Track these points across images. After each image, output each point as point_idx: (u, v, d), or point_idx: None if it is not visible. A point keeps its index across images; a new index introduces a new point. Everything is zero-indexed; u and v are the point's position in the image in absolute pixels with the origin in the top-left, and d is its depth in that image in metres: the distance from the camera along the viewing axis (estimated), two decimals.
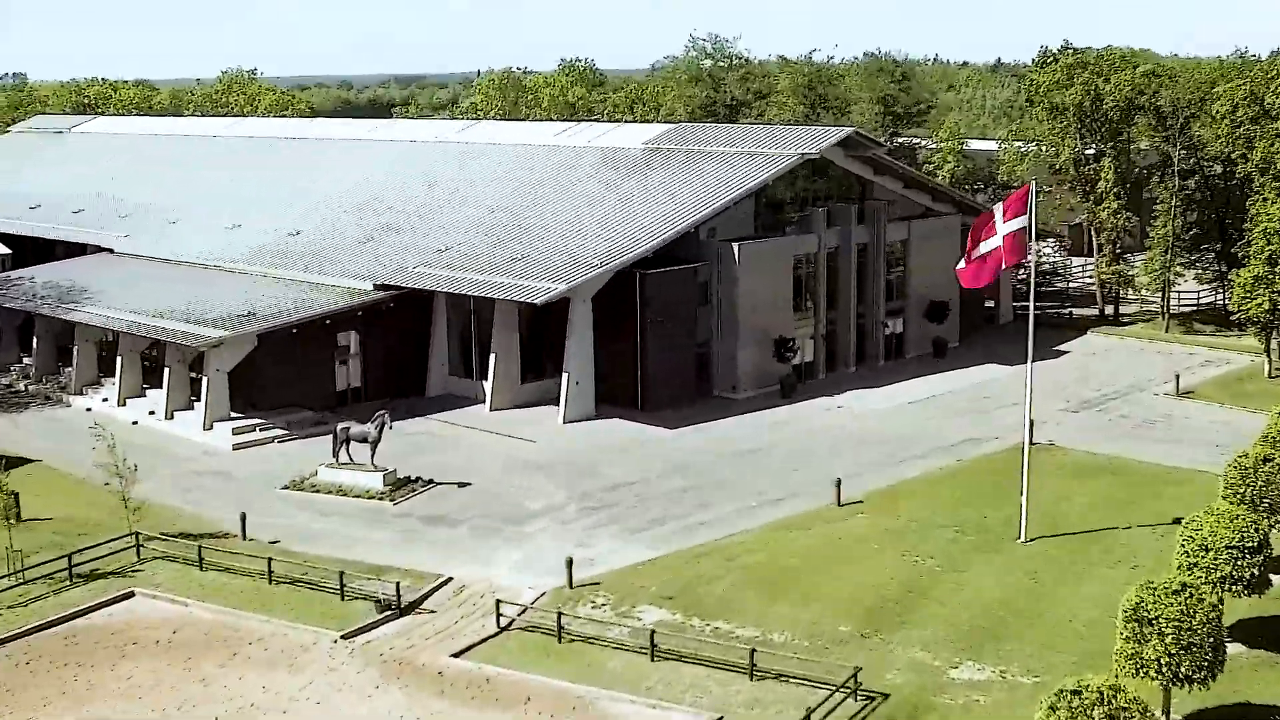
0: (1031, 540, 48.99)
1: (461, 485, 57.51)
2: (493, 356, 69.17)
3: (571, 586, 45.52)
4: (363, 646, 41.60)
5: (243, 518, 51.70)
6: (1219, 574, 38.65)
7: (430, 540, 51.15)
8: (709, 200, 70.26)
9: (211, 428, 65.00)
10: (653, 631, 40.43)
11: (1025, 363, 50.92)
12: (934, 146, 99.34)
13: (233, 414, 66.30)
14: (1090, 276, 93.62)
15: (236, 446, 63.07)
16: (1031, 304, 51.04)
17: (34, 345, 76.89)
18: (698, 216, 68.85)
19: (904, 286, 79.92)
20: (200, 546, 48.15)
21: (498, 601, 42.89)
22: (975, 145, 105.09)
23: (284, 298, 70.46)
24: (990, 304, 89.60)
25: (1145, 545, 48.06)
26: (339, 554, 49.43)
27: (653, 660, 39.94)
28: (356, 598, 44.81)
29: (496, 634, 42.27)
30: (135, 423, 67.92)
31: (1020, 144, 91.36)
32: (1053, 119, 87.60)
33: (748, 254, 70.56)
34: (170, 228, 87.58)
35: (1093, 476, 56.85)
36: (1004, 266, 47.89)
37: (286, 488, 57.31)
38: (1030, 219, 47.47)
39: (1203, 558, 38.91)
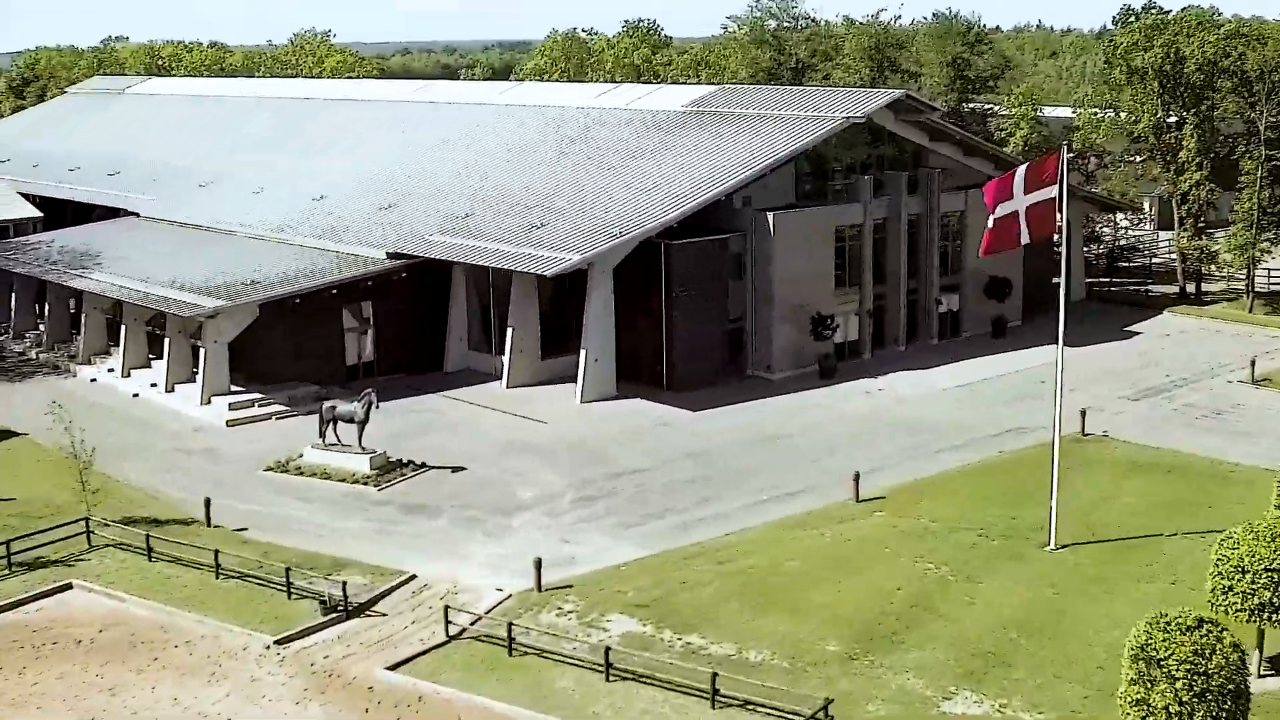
0: (1061, 547, 43.93)
1: (455, 470, 53.60)
2: (509, 330, 65.07)
3: (540, 590, 41.35)
4: (295, 654, 37.76)
5: (207, 503, 48.23)
6: (1256, 600, 33.45)
7: (405, 531, 47.30)
8: (745, 166, 65.36)
9: (209, 402, 61.71)
10: (608, 648, 36.06)
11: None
12: (1007, 113, 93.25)
13: (234, 388, 62.92)
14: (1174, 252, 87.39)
15: (231, 423, 59.70)
16: (1064, 281, 45.78)
17: (46, 312, 74.12)
18: (727, 185, 64.04)
19: (960, 261, 74.41)
20: (149, 535, 44.58)
21: (446, 608, 38.76)
22: (1052, 112, 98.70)
23: (295, 266, 66.86)
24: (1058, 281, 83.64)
25: (1190, 557, 42.72)
26: (305, 545, 45.85)
27: (608, 680, 35.65)
28: (305, 596, 40.97)
29: (445, 643, 38.27)
30: (136, 395, 64.96)
31: (1098, 110, 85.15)
32: (1132, 83, 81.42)
33: (784, 224, 65.67)
34: (199, 191, 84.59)
35: (1144, 474, 51.49)
36: (1026, 241, 42.64)
37: (270, 469, 53.81)
38: (1061, 188, 42.22)
39: (1238, 581, 33.72)
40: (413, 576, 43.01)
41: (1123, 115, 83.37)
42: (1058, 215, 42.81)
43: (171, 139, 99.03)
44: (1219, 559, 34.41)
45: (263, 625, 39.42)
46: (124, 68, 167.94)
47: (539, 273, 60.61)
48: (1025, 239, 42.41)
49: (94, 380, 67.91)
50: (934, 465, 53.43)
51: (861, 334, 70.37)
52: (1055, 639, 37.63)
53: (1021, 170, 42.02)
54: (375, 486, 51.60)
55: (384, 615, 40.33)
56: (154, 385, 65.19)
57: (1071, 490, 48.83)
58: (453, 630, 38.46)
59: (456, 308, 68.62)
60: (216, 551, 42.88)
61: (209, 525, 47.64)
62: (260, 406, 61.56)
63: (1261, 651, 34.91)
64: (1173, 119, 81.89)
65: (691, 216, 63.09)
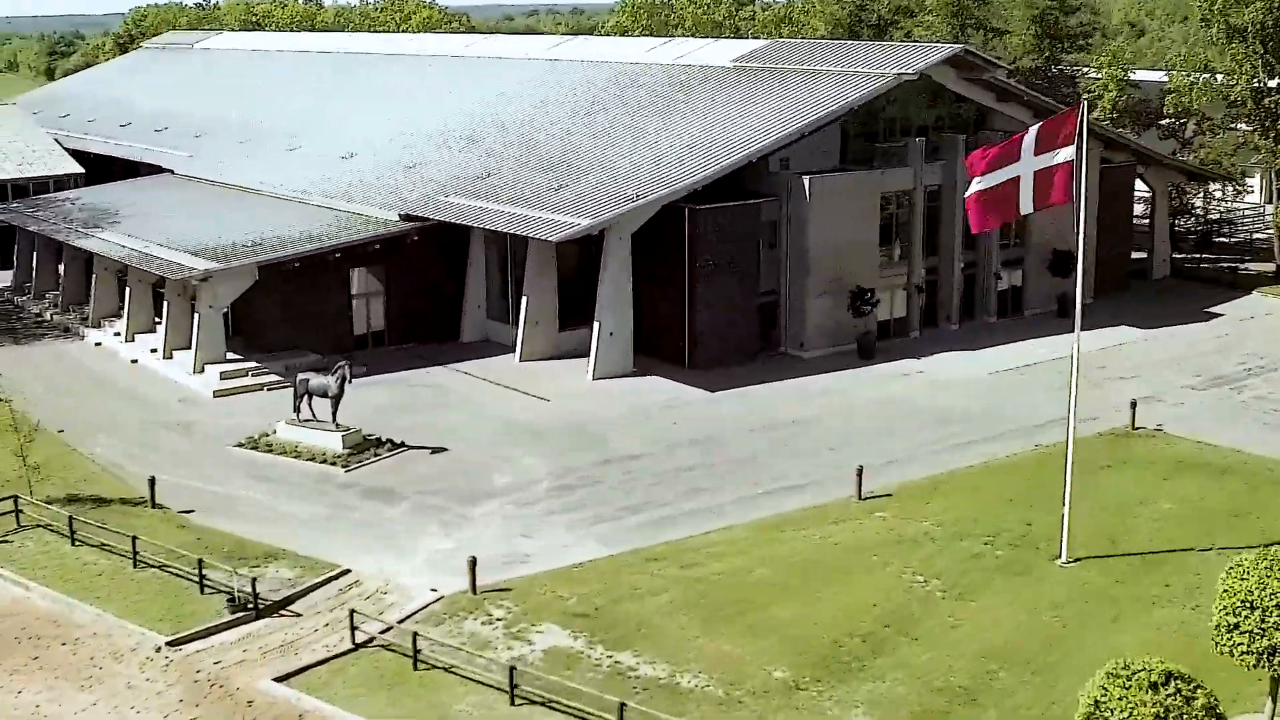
0: (1074, 561, 38.67)
1: (435, 451, 49.67)
2: (524, 300, 60.88)
3: (474, 592, 37.19)
4: (186, 658, 34.06)
5: (151, 482, 44.85)
6: (1266, 642, 28.12)
7: (358, 519, 43.48)
8: (783, 126, 60.27)
9: (202, 370, 58.44)
10: (512, 668, 31.76)
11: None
12: (1097, 75, 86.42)
13: (232, 355, 59.66)
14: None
15: (218, 393, 56.38)
16: (1078, 260, 40.09)
17: (61, 272, 71.63)
18: (752, 148, 58.97)
19: (1024, 233, 68.53)
20: (71, 518, 41.24)
21: (351, 613, 34.75)
22: (1146, 75, 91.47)
23: (303, 228, 63.34)
24: (1143, 255, 77.47)
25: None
26: (247, 530, 42.30)
27: (512, 704, 31.39)
28: (219, 591, 37.28)
29: (350, 651, 34.29)
30: (135, 361, 62.03)
31: (1192, 73, 78.12)
32: (1231, 43, 74.41)
33: (821, 189, 60.55)
34: (237, 149, 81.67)
35: (1191, 475, 45.83)
36: (1029, 210, 37.30)
37: (241, 445, 50.35)
38: (1080, 150, 36.77)
39: (1246, 618, 28.39)
40: (345, 571, 39.18)
41: (1219, 78, 76.29)
42: (1078, 183, 37.30)
43: (225, 94, 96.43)
44: (1225, 590, 29.08)
45: (161, 623, 35.84)
46: (222, 23, 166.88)
47: (544, 238, 56.25)
48: (1028, 207, 37.00)
49: (99, 344, 65.24)
50: (959, 459, 48.31)
51: (910, 310, 64.97)
52: (1041, 673, 32.57)
53: (1033, 130, 36.66)
54: (344, 467, 47.87)
55: (298, 615, 36.48)
56: (154, 351, 62.19)
57: (1102, 494, 43.59)
58: (361, 637, 34.41)
59: (475, 274, 64.66)
60: (134, 538, 39.35)
61: (153, 506, 44.24)
62: (254, 376, 58.17)
63: (1276, 703, 29.52)
64: (1274, 82, 74.81)
65: (725, 180, 58.35)
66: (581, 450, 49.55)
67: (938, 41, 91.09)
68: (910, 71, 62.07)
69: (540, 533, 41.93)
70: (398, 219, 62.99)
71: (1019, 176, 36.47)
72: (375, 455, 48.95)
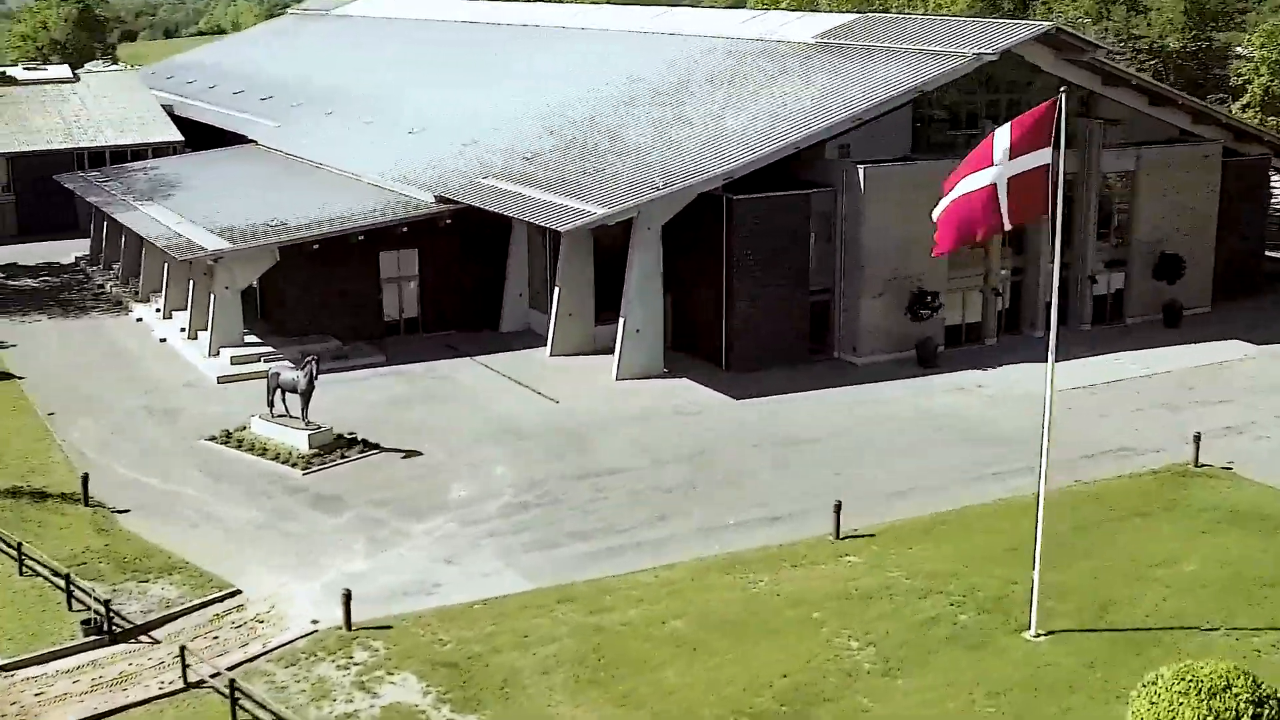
0: (1045, 635, 33.08)
1: (408, 455, 46.24)
2: (556, 291, 56.91)
3: (349, 629, 33.51)
4: (10, 685, 31.21)
5: (84, 479, 42.39)
6: None
7: (289, 530, 40.27)
8: (843, 109, 54.93)
9: (218, 354, 56.10)
10: None
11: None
12: (1248, 55, 78.03)
13: (253, 339, 57.29)
14: None
15: (222, 379, 53.91)
16: (1056, 278, 34.18)
17: (121, 245, 70.35)
18: (791, 137, 53.84)
19: (1128, 232, 61.64)
20: None
21: (182, 649, 31.40)
22: None
23: (336, 208, 60.48)
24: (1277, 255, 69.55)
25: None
26: (168, 536, 39.60)
27: None
28: (86, 609, 34.42)
29: (181, 690, 30.94)
30: (163, 340, 60.18)
31: None
32: None
33: (879, 179, 55.00)
34: (322, 120, 79.55)
35: (1240, 530, 39.47)
36: (1008, 226, 31.67)
37: (213, 439, 47.66)
38: (1058, 150, 31.05)
39: None
40: (235, 593, 35.94)
41: None
42: (1054, 188, 31.57)
43: (336, 63, 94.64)
44: (1133, 713, 23.54)
45: (11, 642, 33.14)
46: None
47: (553, 227, 52.17)
48: (1006, 222, 31.41)
49: (139, 320, 63.66)
50: (977, 492, 42.74)
51: (985, 315, 58.88)
52: None
53: (1004, 130, 31.06)
54: (303, 470, 44.71)
55: (156, 643, 33.35)
56: (182, 330, 60.16)
57: (1118, 548, 37.75)
58: (192, 677, 31.05)
59: (516, 260, 60.96)
60: (20, 544, 36.79)
61: (86, 504, 41.76)
62: (265, 362, 55.50)
63: None
64: None
65: (777, 167, 53.53)
66: (562, 460, 45.49)
67: (1078, 17, 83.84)
68: (990, 52, 55.90)
69: (466, 558, 38.06)
70: (433, 200, 59.55)
71: (993, 185, 30.92)
72: (342, 457, 45.75)
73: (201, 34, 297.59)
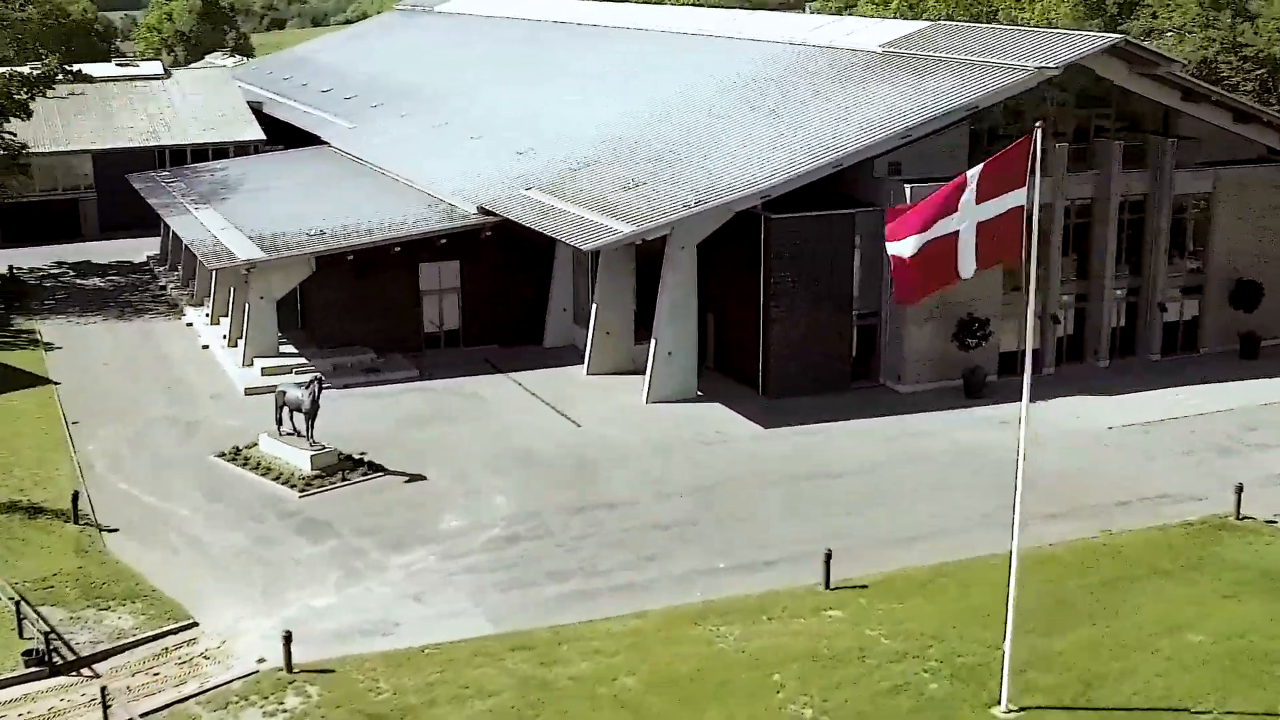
0: (1017, 711, 30.76)
1: (412, 479, 45.20)
2: (594, 308, 55.46)
3: (290, 670, 32.47)
4: None
5: (74, 497, 42.06)
6: None
7: (267, 558, 39.47)
8: (887, 126, 52.62)
9: (251, 364, 55.70)
10: None
11: None
12: None
13: (289, 349, 56.84)
14: None
15: (249, 391, 53.40)
16: (1030, 320, 31.64)
17: (183, 247, 70.45)
18: (842, 151, 51.60)
19: (1204, 256, 58.21)
20: None
21: (103, 689, 30.60)
22: None
23: (386, 216, 59.68)
24: None
25: None
26: (148, 559, 39.28)
27: None
28: (32, 639, 33.90)
29: None
30: (205, 347, 60.07)
31: None
32: None
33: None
34: (396, 122, 78.98)
35: (1267, 595, 36.59)
36: (969, 273, 29.36)
37: (222, 455, 47.12)
38: (1032, 191, 28.69)
39: None
40: (191, 625, 35.15)
41: None
42: (1028, 231, 29.22)
43: (428, 62, 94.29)
44: None
45: None
46: None
47: (576, 246, 50.70)
48: (968, 270, 29.12)
49: (189, 325, 63.70)
50: (992, 541, 40.13)
51: (1044, 343, 55.98)
52: None
53: (974, 172, 28.74)
54: (300, 492, 43.87)
55: (96, 677, 32.65)
56: (224, 338, 59.97)
57: (1124, 613, 35.24)
58: (116, 719, 30.28)
59: (561, 274, 59.62)
60: None
61: (75, 522, 41.43)
62: (298, 374, 54.89)
63: None
64: None
65: (823, 185, 51.54)
66: (564, 490, 44.06)
67: (1184, 25, 79.92)
68: (1052, 65, 53.00)
69: (436, 596, 36.83)
70: (475, 211, 58.46)
71: (957, 232, 28.66)
72: (344, 479, 44.83)
73: (348, 22, 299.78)
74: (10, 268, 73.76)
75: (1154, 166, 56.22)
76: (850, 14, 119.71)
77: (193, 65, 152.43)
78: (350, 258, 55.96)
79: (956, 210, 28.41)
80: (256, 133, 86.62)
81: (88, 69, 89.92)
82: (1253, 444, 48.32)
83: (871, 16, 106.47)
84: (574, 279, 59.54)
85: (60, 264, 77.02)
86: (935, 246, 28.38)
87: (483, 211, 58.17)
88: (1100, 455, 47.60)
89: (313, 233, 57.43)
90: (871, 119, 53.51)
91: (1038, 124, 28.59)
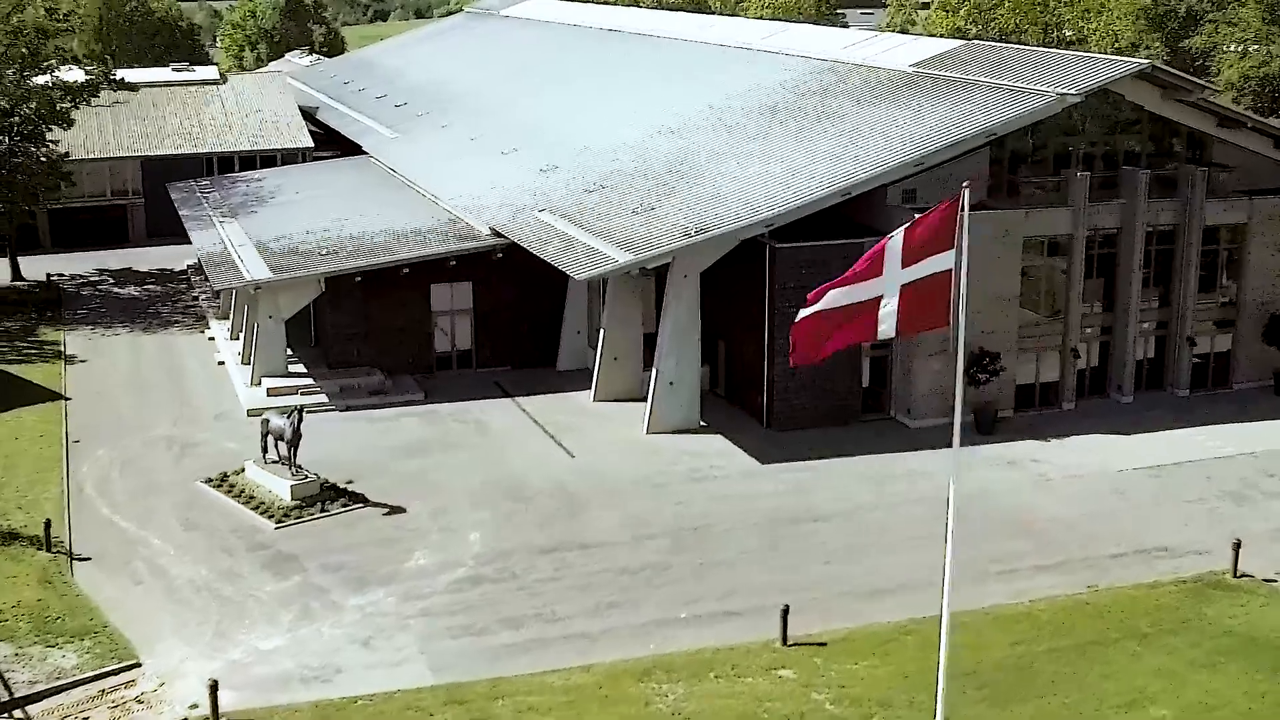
0: None
1: (391, 511, 44.74)
2: (601, 334, 54.69)
3: (216, 717, 32.07)
4: None
5: (47, 525, 42.08)
6: None
7: (227, 594, 39.19)
8: (902, 152, 51.23)
9: (259, 383, 55.65)
10: None
11: None
12: None
13: (298, 369, 56.78)
14: None
15: (251, 412, 53.29)
16: (960, 376, 30.23)
17: None
18: (849, 180, 50.32)
19: (1238, 290, 56.00)
20: None
21: None
22: None
23: (397, 234, 59.38)
24: None
25: None
26: (110, 591, 39.17)
27: None
28: None
29: None
30: (221, 363, 60.16)
31: None
32: None
33: None
34: (434, 132, 78.61)
35: (1252, 662, 34.99)
36: (888, 334, 28.10)
37: (209, 481, 47.02)
38: (959, 252, 27.39)
39: None
40: (134, 666, 34.95)
41: None
42: (956, 293, 27.88)
43: (479, 68, 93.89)
44: None
45: None
46: None
47: (571, 274, 49.92)
48: (887, 334, 27.87)
49: (211, 339, 63.85)
50: (970, 596, 38.64)
51: (1063, 378, 54.20)
52: None
53: (898, 235, 27.47)
54: (277, 523, 43.60)
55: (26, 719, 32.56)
56: (239, 354, 60.04)
57: (1094, 678, 34.04)
58: None
59: (575, 296, 58.88)
60: None
61: (47, 550, 41.51)
62: (303, 395, 54.79)
63: None
64: None
65: (835, 211, 50.32)
66: (542, 528, 43.35)
67: (1247, 39, 77.23)
68: (1074, 93, 51.20)
69: (385, 641, 36.31)
70: (488, 232, 57.93)
71: (880, 297, 27.41)
72: (323, 510, 44.48)
73: (450, 13, 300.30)
74: (48, 275, 74.55)
75: (1183, 195, 54.10)
76: (920, 20, 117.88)
77: (271, 63, 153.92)
78: (358, 279, 55.53)
79: (881, 274, 27.13)
80: (305, 140, 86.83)
81: (145, 74, 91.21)
82: (1270, 491, 46.33)
83: (938, 24, 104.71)
84: (589, 301, 58.72)
85: (102, 271, 77.74)
86: (854, 309, 27.13)
87: (495, 233, 57.56)
88: (1105, 501, 45.88)
89: (324, 252, 57.16)
90: (888, 144, 52.09)
91: (965, 184, 27.26)
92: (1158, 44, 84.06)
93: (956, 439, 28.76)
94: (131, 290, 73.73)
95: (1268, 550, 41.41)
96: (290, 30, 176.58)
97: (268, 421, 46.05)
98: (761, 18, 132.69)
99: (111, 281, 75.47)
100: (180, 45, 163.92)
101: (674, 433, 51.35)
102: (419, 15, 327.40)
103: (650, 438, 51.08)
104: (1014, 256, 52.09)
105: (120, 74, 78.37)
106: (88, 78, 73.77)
